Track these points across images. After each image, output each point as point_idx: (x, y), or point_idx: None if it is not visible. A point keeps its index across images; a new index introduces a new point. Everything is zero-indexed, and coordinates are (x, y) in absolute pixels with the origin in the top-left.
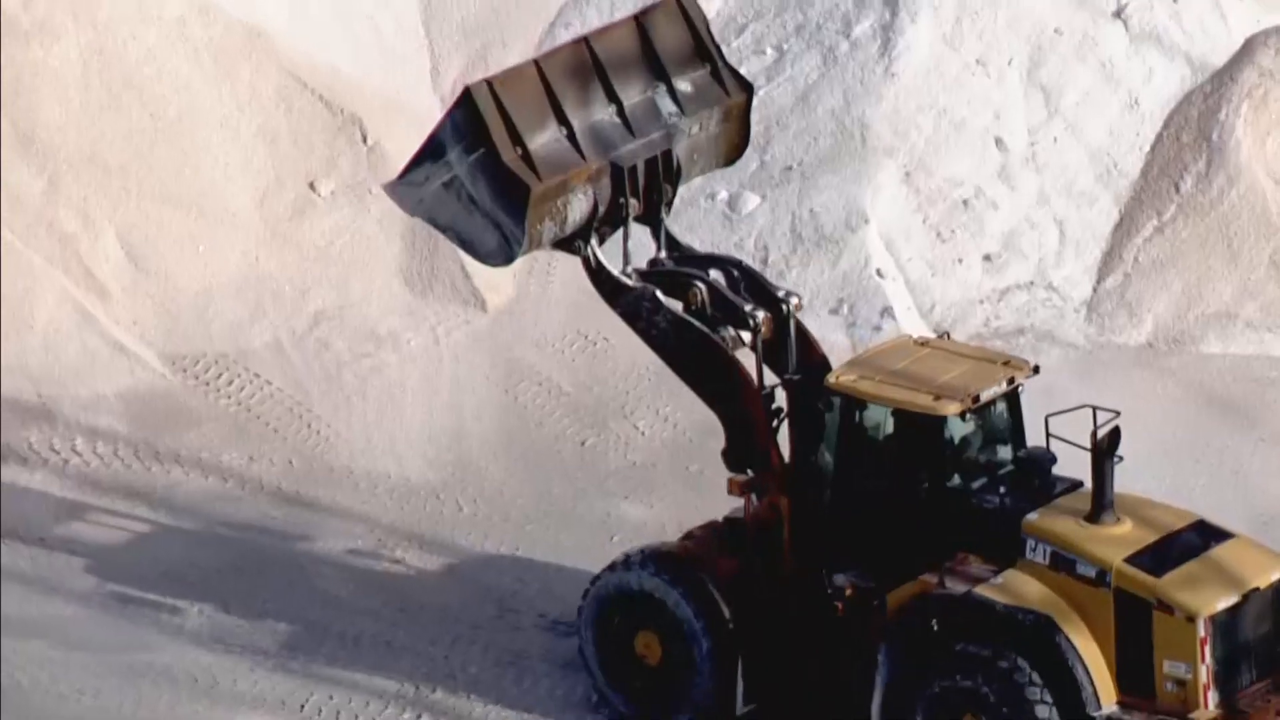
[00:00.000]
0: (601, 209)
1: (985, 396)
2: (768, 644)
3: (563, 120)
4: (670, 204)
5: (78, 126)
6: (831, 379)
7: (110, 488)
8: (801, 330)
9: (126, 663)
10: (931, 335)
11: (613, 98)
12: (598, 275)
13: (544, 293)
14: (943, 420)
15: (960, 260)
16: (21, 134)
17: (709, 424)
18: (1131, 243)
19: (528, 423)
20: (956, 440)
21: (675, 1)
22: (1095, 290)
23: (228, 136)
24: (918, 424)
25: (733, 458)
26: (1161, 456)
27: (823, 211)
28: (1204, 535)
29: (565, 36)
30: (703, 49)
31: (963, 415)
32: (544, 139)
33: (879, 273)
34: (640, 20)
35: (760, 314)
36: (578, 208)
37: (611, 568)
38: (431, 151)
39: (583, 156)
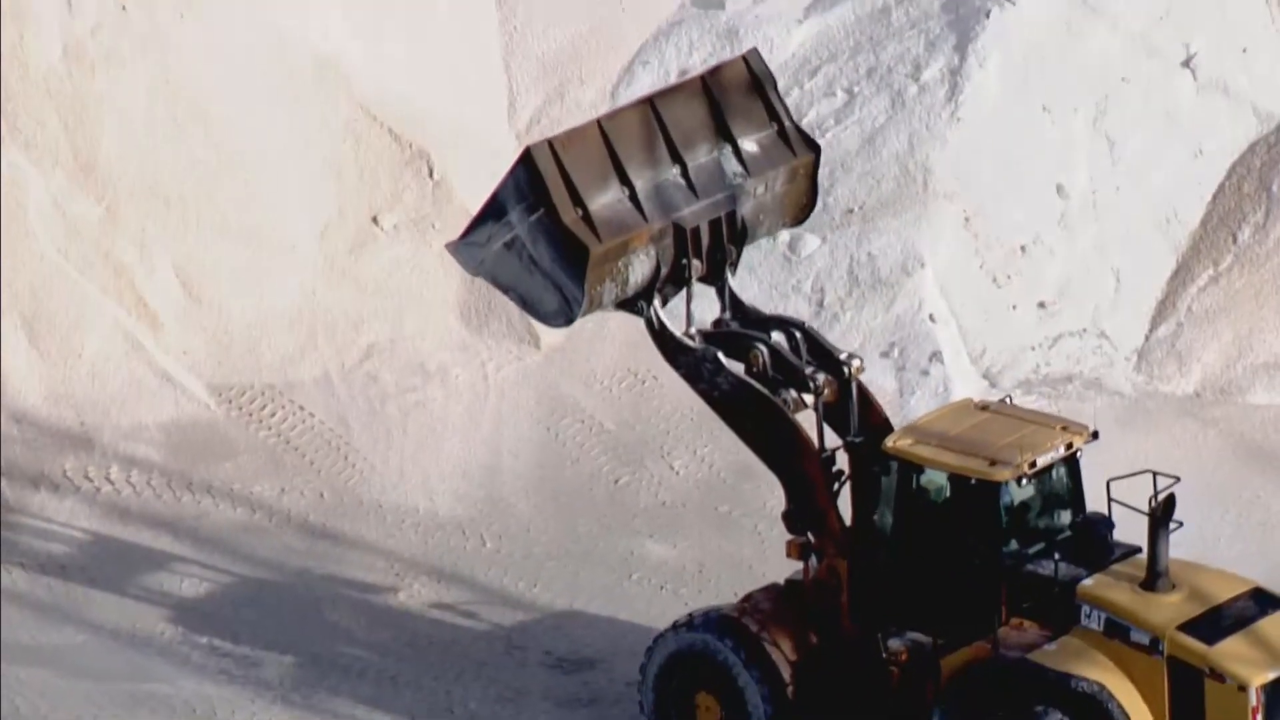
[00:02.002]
0: (664, 270)
1: (1042, 463)
2: (826, 708)
3: (625, 181)
4: (735, 265)
5: (139, 156)
6: (889, 443)
7: (138, 517)
8: (863, 392)
9: (127, 692)
10: (984, 389)
11: (676, 158)
12: (660, 336)
13: (600, 329)
14: (999, 486)
15: (1014, 306)
16: (82, 163)
17: (744, 466)
18: (1186, 292)
19: (564, 460)
20: (1014, 505)
21: (743, 61)
22: (1147, 339)
23: (292, 169)
24: (974, 490)
25: (793, 520)
26: (1191, 504)
27: (880, 255)
28: (1259, 603)
29: (642, 74)
30: (770, 109)
31: (1019, 481)
32: (605, 200)
33: (931, 317)
34: (706, 80)
35: (821, 376)
36: (639, 269)
37: (674, 627)
38: (493, 211)
39: (645, 218)
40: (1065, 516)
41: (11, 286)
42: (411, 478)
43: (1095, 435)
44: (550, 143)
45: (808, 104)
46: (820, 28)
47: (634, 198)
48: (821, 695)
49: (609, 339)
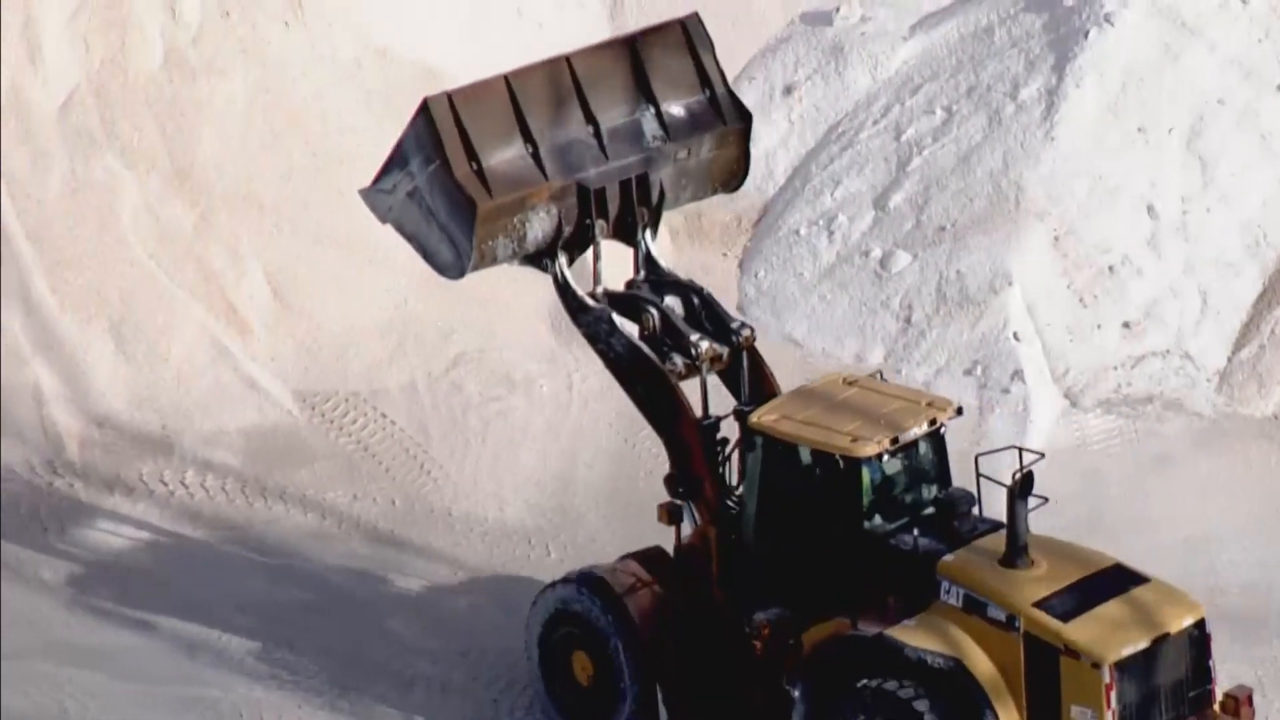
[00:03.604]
0: (567, 229)
1: (904, 438)
2: (691, 675)
3: (528, 138)
4: (651, 227)
5: (235, 163)
6: (754, 418)
7: (208, 522)
8: (756, 363)
9: (177, 696)
10: (1065, 408)
11: (590, 118)
12: (563, 294)
13: None
14: (860, 462)
15: (1099, 326)
16: (178, 169)
17: None
18: (1271, 314)
19: (638, 472)
20: (877, 481)
21: (679, 25)
22: (1229, 360)
23: None
24: (835, 466)
25: (672, 484)
26: (1254, 528)
27: (969, 273)
28: (1119, 580)
29: (748, 90)
30: (703, 74)
31: (880, 457)
32: (503, 155)
33: (1015, 336)
34: (634, 41)
35: (705, 344)
36: (538, 226)
37: (553, 584)
38: (398, 160)
39: (545, 175)
40: (930, 492)
41: (101, 291)
42: (485, 487)
43: (959, 411)
44: (449, 95)
45: (907, 121)
46: (924, 45)
47: (536, 155)
48: (689, 664)
49: None
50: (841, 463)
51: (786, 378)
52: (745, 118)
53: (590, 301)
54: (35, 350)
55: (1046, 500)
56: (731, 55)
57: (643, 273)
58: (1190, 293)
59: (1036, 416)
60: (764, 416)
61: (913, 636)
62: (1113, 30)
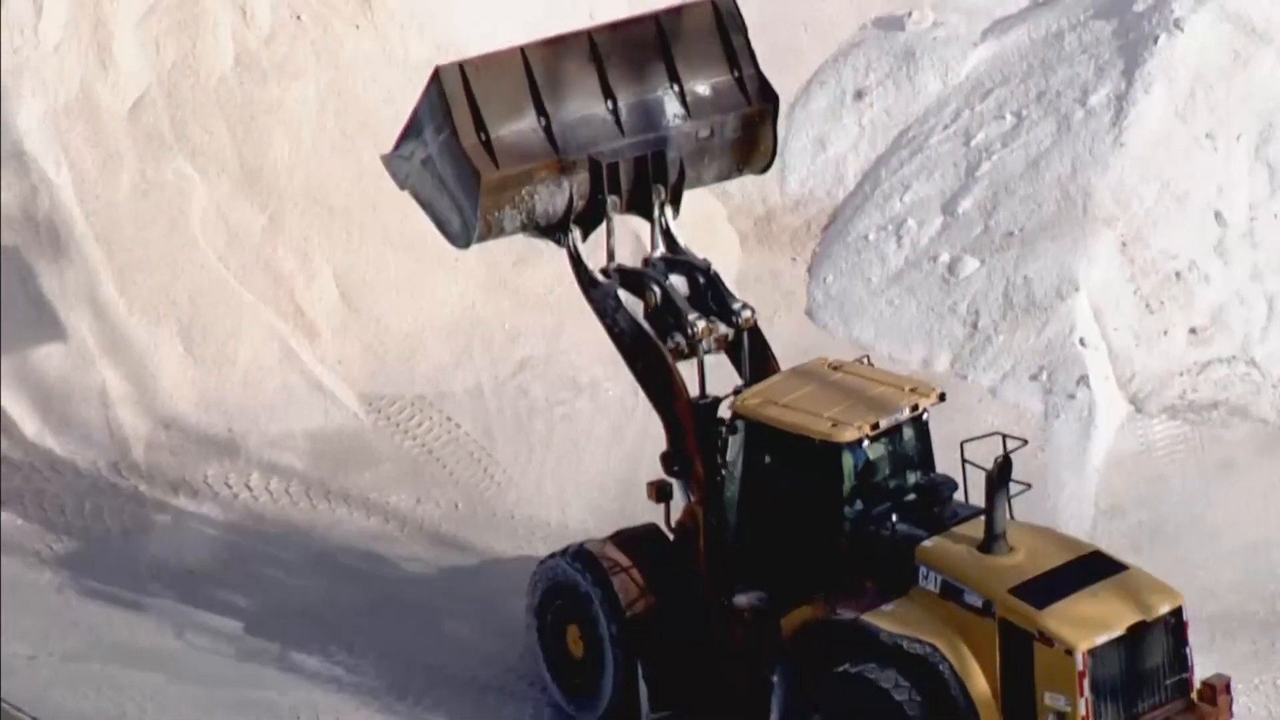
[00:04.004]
0: (579, 203)
1: (885, 424)
2: (674, 654)
3: (541, 111)
4: (671, 204)
5: (306, 166)
6: (737, 402)
7: (271, 525)
8: (757, 344)
9: (236, 698)
10: (1130, 413)
11: (609, 93)
12: (576, 268)
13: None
14: (840, 447)
15: (1165, 332)
16: (248, 171)
17: None
18: None
19: None
20: (858, 466)
21: (711, 4)
22: None
23: None
24: (816, 450)
25: (668, 462)
26: None
27: (1036, 278)
28: (1098, 567)
29: (820, 94)
30: (732, 55)
31: (860, 442)
32: (513, 127)
33: (1081, 341)
34: (661, 19)
35: (701, 324)
36: (548, 199)
37: (551, 556)
38: (414, 127)
39: (555, 149)
40: (913, 478)
41: (170, 293)
42: (548, 490)
43: (942, 397)
44: (461, 65)
45: (977, 126)
46: (995, 50)
47: (548, 128)
48: (672, 643)
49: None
50: (822, 447)
51: None
52: (772, 98)
53: (600, 277)
54: (102, 352)
55: (1029, 486)
56: (803, 59)
57: (659, 250)
58: (1257, 299)
59: (1101, 422)
60: (747, 400)
61: (889, 621)
62: (1182, 36)
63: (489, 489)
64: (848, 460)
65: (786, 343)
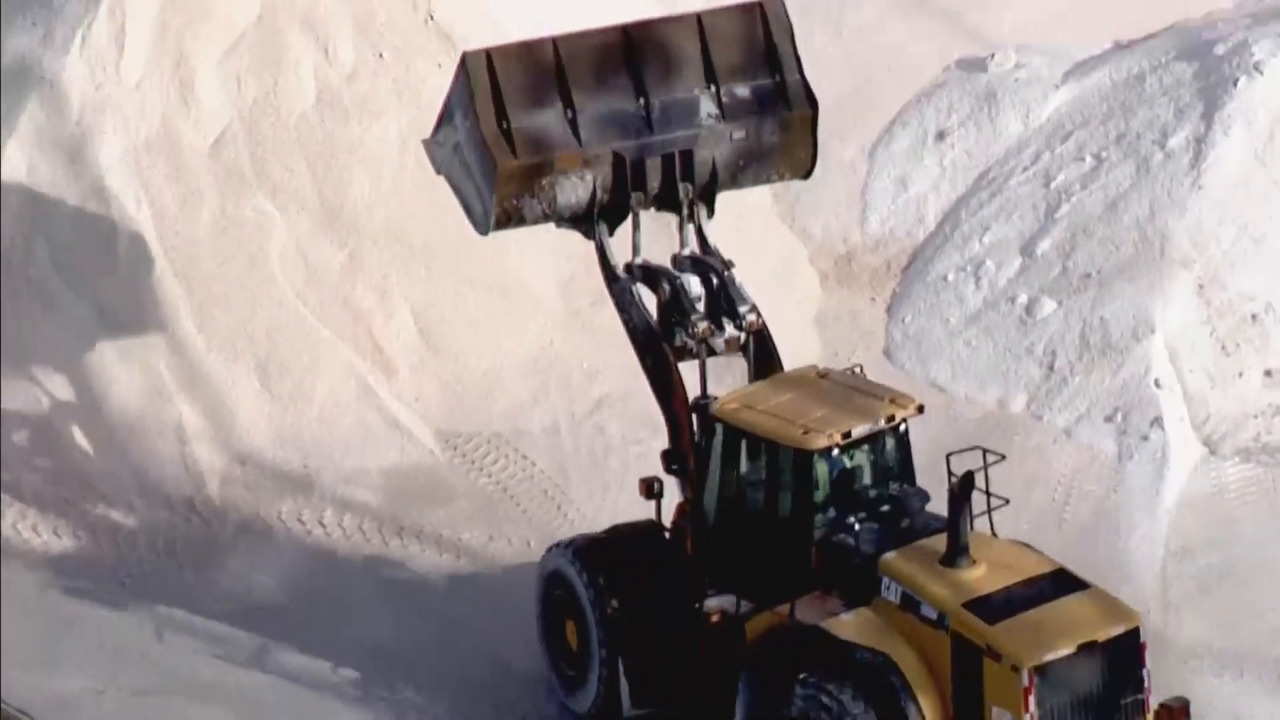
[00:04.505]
0: (603, 196)
1: (857, 433)
2: (656, 652)
3: (568, 103)
4: (705, 204)
5: (386, 204)
6: (716, 406)
7: (344, 561)
8: (763, 348)
9: None
10: (1204, 455)
11: (641, 90)
12: (601, 262)
13: None
14: (810, 454)
15: (1241, 374)
16: (328, 208)
17: None
18: None
19: None
20: (829, 474)
21: (758, 7)
22: None
23: None
24: (787, 456)
25: (667, 459)
26: None
27: (1112, 320)
28: (1057, 585)
29: (901, 135)
30: (775, 59)
31: (828, 451)
32: (537, 117)
33: (1156, 383)
34: (703, 19)
35: (702, 324)
36: (571, 191)
37: (555, 546)
38: (446, 114)
39: (579, 141)
40: (891, 489)
41: (248, 329)
42: None
43: (920, 409)
44: (488, 52)
45: (1056, 168)
46: (1076, 92)
47: (574, 121)
48: (655, 640)
49: None
50: (793, 453)
51: (929, 423)
52: (812, 105)
53: (620, 272)
54: (180, 387)
55: (1007, 501)
56: (886, 100)
57: (688, 248)
58: None
59: (1174, 464)
60: (725, 403)
61: (846, 630)
62: (1262, 79)
63: (562, 526)
64: (818, 467)
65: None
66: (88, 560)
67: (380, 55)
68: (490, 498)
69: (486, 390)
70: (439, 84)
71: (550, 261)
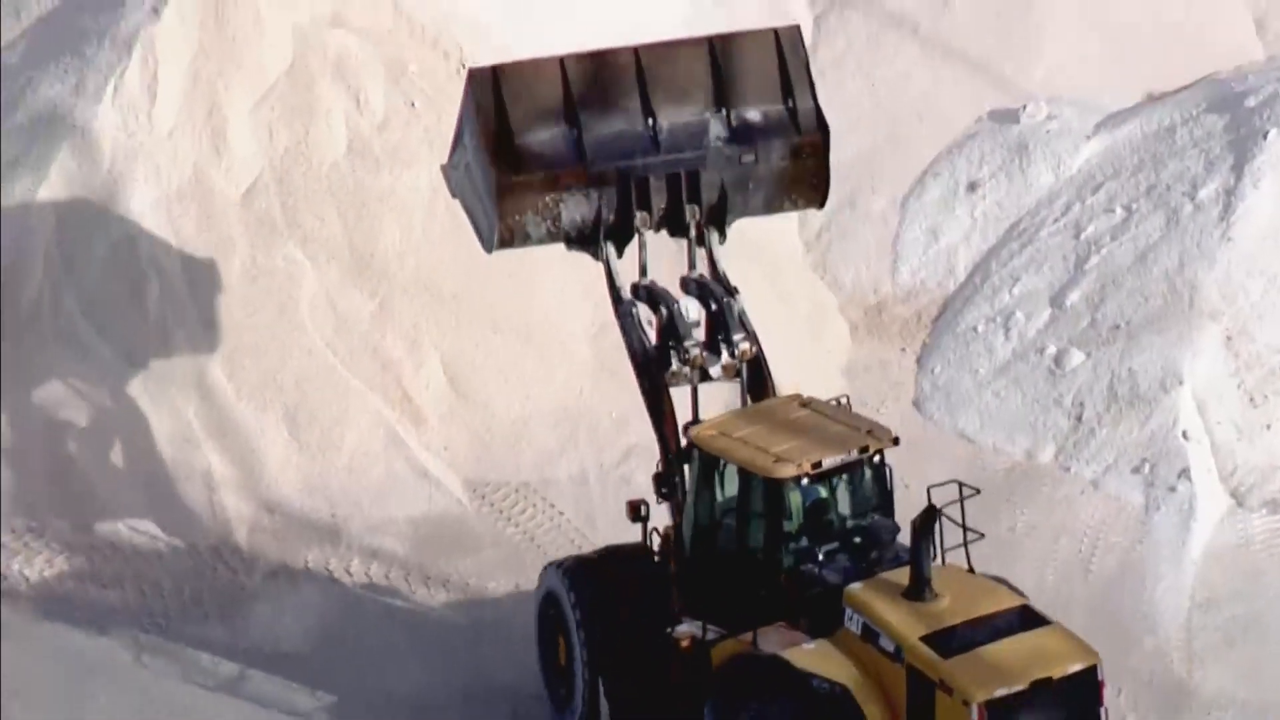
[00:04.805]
0: (609, 215)
1: (829, 463)
2: (637, 674)
3: (573, 121)
4: (716, 227)
5: (416, 253)
6: (692, 431)
7: (370, 609)
8: (757, 376)
9: None
10: (1231, 507)
11: (649, 111)
12: (608, 283)
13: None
14: (779, 483)
15: (1268, 426)
16: (358, 257)
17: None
18: None
19: None
20: (800, 503)
21: (773, 34)
22: None
23: (571, 268)
24: (758, 485)
25: (658, 482)
26: None
27: (1140, 371)
28: (1018, 621)
29: (933, 185)
30: (788, 85)
31: (798, 480)
32: (541, 135)
33: (1184, 434)
34: (714, 43)
35: (694, 351)
36: (575, 210)
37: (552, 563)
38: (458, 135)
39: (583, 159)
40: (870, 518)
41: (278, 377)
42: None
43: (896, 441)
44: (494, 69)
45: (1087, 219)
46: (1108, 144)
47: (578, 139)
48: (637, 662)
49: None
50: (762, 482)
51: (956, 472)
52: (823, 130)
53: (625, 294)
54: (208, 435)
55: (983, 535)
56: (918, 151)
57: (697, 270)
58: None
59: (1201, 515)
60: (702, 429)
61: (804, 660)
62: None
63: None
64: (788, 496)
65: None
66: (113, 607)
67: (412, 104)
68: (517, 547)
69: (515, 439)
70: None
71: (579, 310)
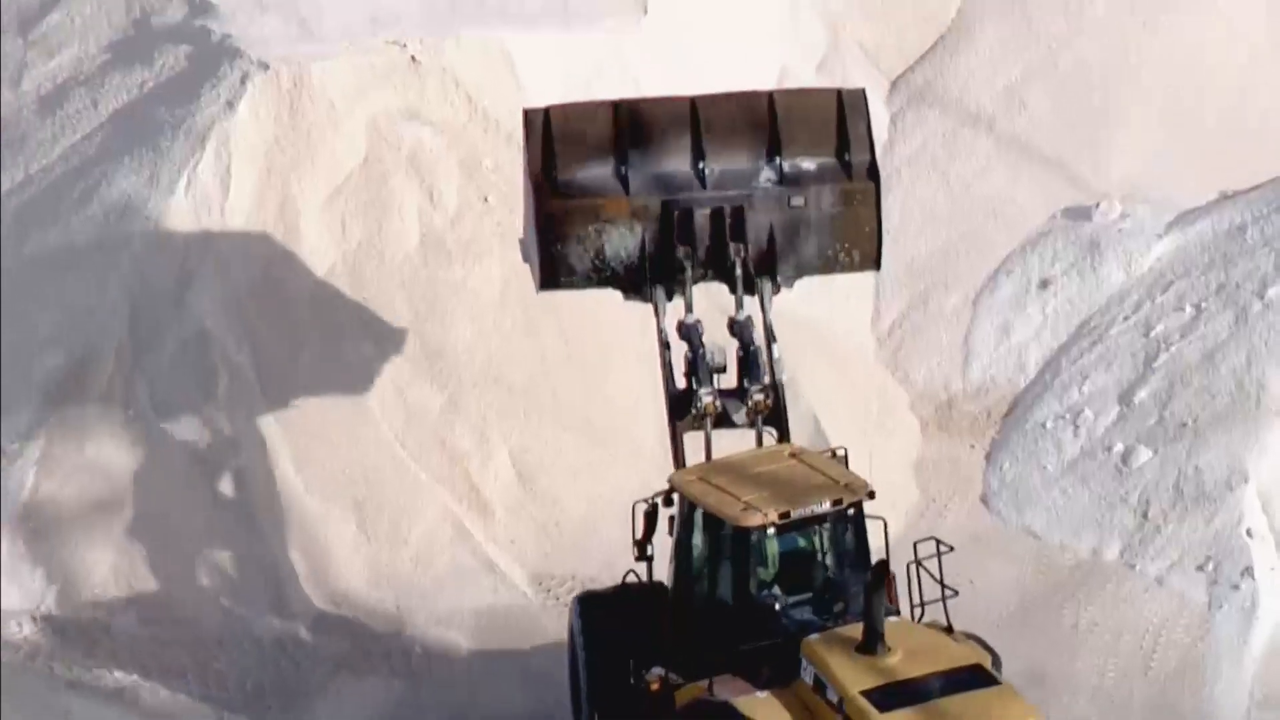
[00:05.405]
0: (651, 249)
1: (798, 514)
2: (630, 711)
3: (622, 159)
4: (769, 276)
5: (487, 347)
6: (674, 475)
7: (434, 701)
8: (778, 425)
9: None
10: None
11: (700, 155)
12: (658, 326)
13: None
14: (746, 531)
15: None
16: (429, 351)
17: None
18: None
19: None
20: (768, 552)
21: (836, 94)
22: None
23: (643, 369)
24: (727, 533)
25: (671, 524)
26: None
27: (1206, 469)
28: (967, 679)
29: (1006, 283)
30: (844, 139)
31: (765, 529)
32: (587, 169)
33: (1249, 532)
34: (775, 98)
35: (707, 399)
36: (619, 242)
37: (576, 597)
38: (525, 197)
39: (626, 191)
40: (842, 571)
41: (346, 470)
42: None
43: (871, 495)
44: (547, 110)
45: (1156, 317)
46: (1179, 242)
47: (624, 175)
48: (632, 700)
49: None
50: (730, 529)
51: (1022, 569)
52: (873, 178)
53: (667, 338)
54: (276, 527)
55: (957, 593)
56: (991, 248)
57: (743, 313)
58: None
59: (1263, 613)
60: (685, 474)
61: (752, 709)
62: None
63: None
64: (758, 545)
65: (957, 528)
66: (177, 702)
67: (485, 199)
68: None
69: (583, 535)
70: None
71: (649, 408)
